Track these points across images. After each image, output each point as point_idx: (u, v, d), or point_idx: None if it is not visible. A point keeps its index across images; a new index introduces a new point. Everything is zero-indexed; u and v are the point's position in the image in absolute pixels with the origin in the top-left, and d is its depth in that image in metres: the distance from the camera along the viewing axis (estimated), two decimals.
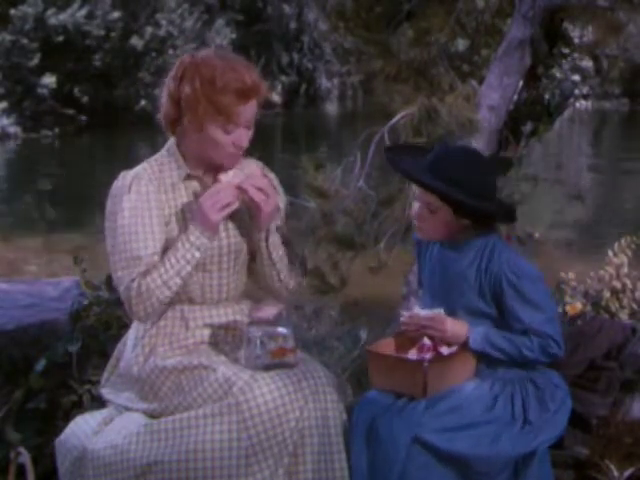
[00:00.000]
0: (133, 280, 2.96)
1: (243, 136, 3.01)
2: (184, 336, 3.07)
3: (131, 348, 3.10)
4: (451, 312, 2.99)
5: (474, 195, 2.90)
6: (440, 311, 2.98)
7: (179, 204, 3.06)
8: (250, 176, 3.03)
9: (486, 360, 2.99)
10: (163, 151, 3.11)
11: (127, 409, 3.08)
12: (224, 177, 3.02)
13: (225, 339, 3.09)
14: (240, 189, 2.98)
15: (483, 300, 2.97)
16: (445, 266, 3.04)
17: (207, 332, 3.09)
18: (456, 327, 2.96)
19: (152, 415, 3.00)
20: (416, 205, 3.02)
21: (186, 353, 3.04)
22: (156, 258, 2.98)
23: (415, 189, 3.08)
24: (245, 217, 3.11)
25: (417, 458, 2.86)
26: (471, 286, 2.97)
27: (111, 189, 3.06)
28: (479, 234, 3.00)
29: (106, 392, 3.17)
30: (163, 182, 3.05)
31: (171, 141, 3.11)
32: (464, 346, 2.97)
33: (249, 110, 2.99)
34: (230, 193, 2.97)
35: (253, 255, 3.14)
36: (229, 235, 3.09)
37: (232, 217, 3.07)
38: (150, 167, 3.07)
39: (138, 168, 3.08)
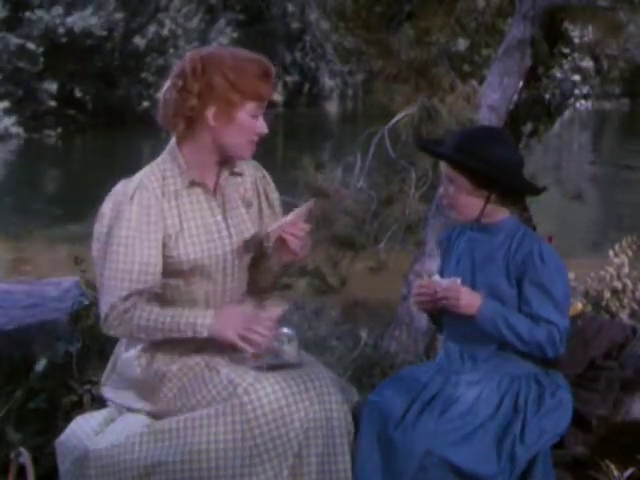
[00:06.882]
0: (126, 299, 2.92)
1: (264, 123, 3.01)
2: (185, 339, 3.02)
3: (128, 348, 3.08)
4: (473, 290, 2.99)
5: (490, 164, 2.91)
6: (457, 280, 2.99)
7: (181, 213, 3.01)
8: (290, 224, 2.99)
9: (496, 350, 3.00)
10: (165, 154, 3.04)
11: (128, 409, 3.07)
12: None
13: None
14: (280, 238, 2.96)
15: (507, 281, 2.97)
16: (473, 248, 3.06)
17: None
18: (470, 297, 2.95)
19: (155, 417, 2.98)
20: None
21: (187, 357, 3.01)
22: (149, 278, 2.94)
23: (442, 167, 3.09)
24: (246, 221, 3.11)
25: (430, 471, 2.85)
26: (498, 267, 2.99)
27: (111, 194, 3.00)
28: (511, 219, 3.03)
29: (106, 390, 3.16)
30: (167, 189, 3.00)
31: (172, 144, 3.04)
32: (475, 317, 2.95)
33: (270, 92, 3.01)
34: (264, 337, 2.91)
35: (253, 259, 3.13)
36: (232, 242, 3.05)
37: (234, 222, 3.07)
38: (153, 174, 3.00)
39: (141, 176, 3.00)
